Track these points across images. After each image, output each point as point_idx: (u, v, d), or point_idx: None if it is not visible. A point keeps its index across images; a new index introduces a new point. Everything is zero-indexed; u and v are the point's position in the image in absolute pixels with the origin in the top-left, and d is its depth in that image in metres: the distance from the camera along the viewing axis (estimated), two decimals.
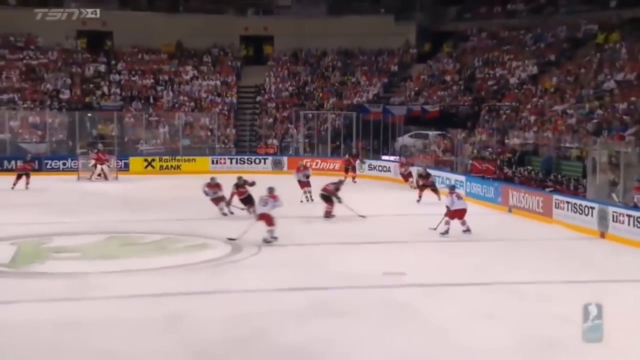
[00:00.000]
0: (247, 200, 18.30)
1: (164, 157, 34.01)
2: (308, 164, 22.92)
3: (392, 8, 40.85)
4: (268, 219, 14.94)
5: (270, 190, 15.46)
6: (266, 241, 14.93)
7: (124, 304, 11.48)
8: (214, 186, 19.69)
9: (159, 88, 38.15)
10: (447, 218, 15.89)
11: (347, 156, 29.21)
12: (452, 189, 16.97)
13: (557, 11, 35.62)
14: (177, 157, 34.06)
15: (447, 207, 16.11)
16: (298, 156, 34.31)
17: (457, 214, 15.92)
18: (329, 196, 18.77)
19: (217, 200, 19.61)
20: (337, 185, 18.97)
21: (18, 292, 12.40)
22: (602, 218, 15.93)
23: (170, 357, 8.67)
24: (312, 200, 21.41)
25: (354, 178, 27.52)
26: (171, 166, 33.83)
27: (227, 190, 19.22)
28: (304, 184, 22.18)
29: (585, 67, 28.73)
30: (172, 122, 36.32)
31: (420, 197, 21.94)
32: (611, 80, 25.84)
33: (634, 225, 14.97)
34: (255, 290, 11.72)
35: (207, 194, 19.62)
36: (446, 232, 15.81)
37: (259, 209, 15.15)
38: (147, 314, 10.68)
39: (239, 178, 18.84)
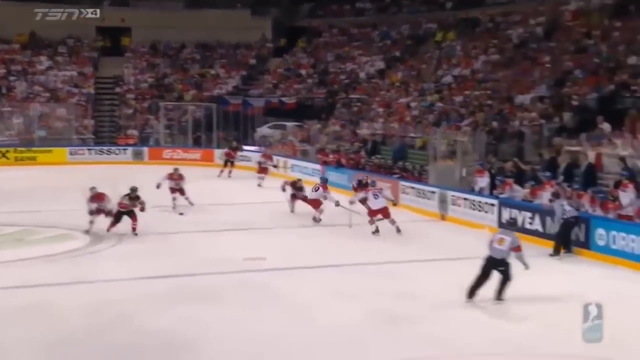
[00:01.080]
0: (124, 215, 15.16)
1: (18, 149, 32.13)
2: (181, 173, 19.14)
3: (248, 3, 41.11)
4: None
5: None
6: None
7: None
8: (177, 178, 18.06)
9: (11, 78, 35.78)
10: (369, 217, 15.07)
11: (228, 149, 27.73)
12: (363, 185, 16.98)
13: (401, 10, 37.19)
14: (33, 149, 32.29)
15: (350, 201, 15.86)
16: (159, 146, 33.70)
17: (379, 212, 15.05)
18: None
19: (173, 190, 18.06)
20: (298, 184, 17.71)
21: None
22: (442, 202, 16.81)
23: (31, 346, 8.39)
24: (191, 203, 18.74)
25: (230, 172, 26.32)
26: (26, 157, 32.01)
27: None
28: (175, 190, 18.93)
29: (426, 63, 30.09)
30: (26, 112, 34.16)
31: (292, 209, 18.06)
32: (449, 75, 27.27)
33: (470, 208, 15.91)
34: (117, 279, 11.45)
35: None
36: (376, 231, 14.94)
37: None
38: (7, 304, 10.35)
39: (133, 190, 15.21)
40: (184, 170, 19.14)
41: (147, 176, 19.50)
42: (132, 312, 9.49)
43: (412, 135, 23.87)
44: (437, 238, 15.06)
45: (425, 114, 24.91)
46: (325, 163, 24.05)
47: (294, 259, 12.72)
